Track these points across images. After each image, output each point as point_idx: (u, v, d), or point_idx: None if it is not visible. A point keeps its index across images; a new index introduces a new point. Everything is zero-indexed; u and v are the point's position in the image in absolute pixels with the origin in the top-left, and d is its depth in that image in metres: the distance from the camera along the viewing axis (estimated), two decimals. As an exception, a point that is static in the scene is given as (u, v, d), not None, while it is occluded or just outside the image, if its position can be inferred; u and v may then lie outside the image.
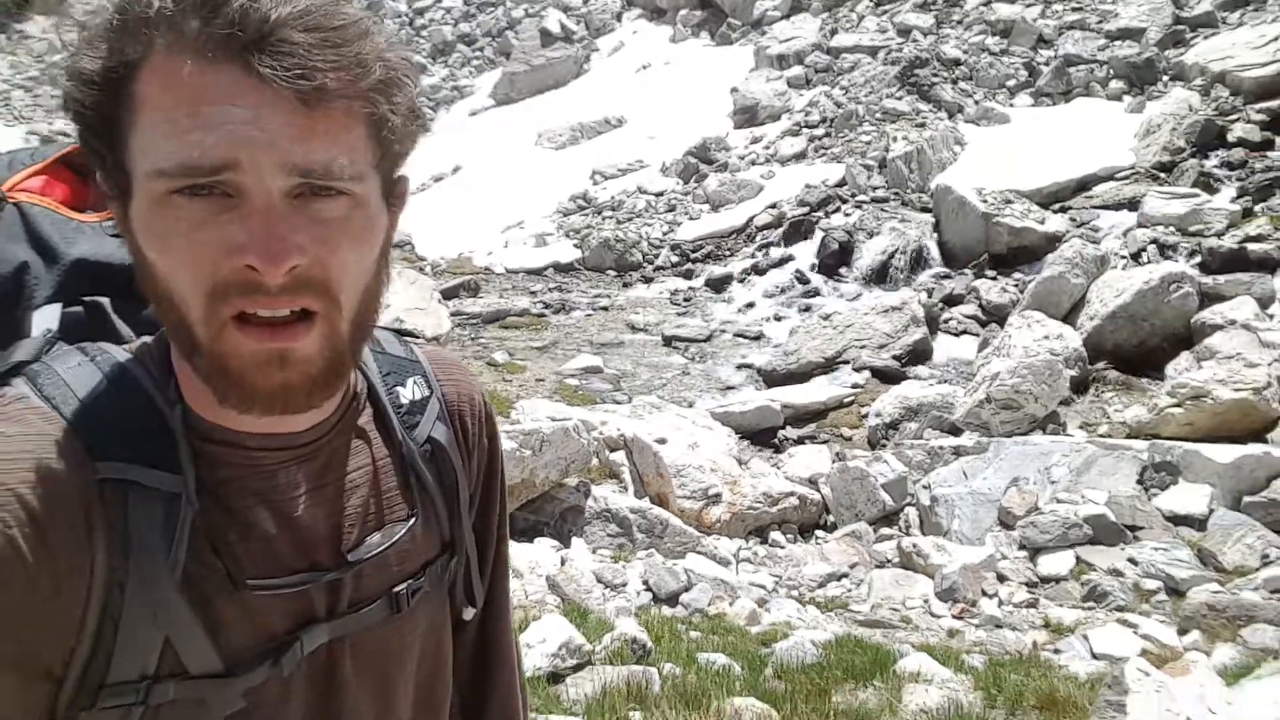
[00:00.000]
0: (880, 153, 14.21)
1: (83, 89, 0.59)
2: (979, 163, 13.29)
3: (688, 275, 13.84)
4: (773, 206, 14.37)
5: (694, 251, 14.24)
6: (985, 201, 11.60)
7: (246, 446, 0.67)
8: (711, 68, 19.89)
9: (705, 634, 4.39)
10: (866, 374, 9.63)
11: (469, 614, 0.86)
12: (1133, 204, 10.99)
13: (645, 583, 5.23)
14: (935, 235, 12.29)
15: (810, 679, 3.44)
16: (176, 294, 0.59)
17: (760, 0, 20.16)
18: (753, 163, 15.84)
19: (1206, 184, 10.80)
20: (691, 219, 14.92)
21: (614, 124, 19.37)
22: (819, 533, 6.79)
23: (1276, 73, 11.71)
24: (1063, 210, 11.74)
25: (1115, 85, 13.50)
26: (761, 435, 8.87)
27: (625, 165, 17.21)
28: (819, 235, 13.18)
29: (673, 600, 5.10)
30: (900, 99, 15.16)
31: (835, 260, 12.74)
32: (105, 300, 0.74)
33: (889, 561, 5.94)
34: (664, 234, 14.68)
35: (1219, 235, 9.33)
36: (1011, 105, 14.30)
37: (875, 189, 13.69)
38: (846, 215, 13.42)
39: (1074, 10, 15.26)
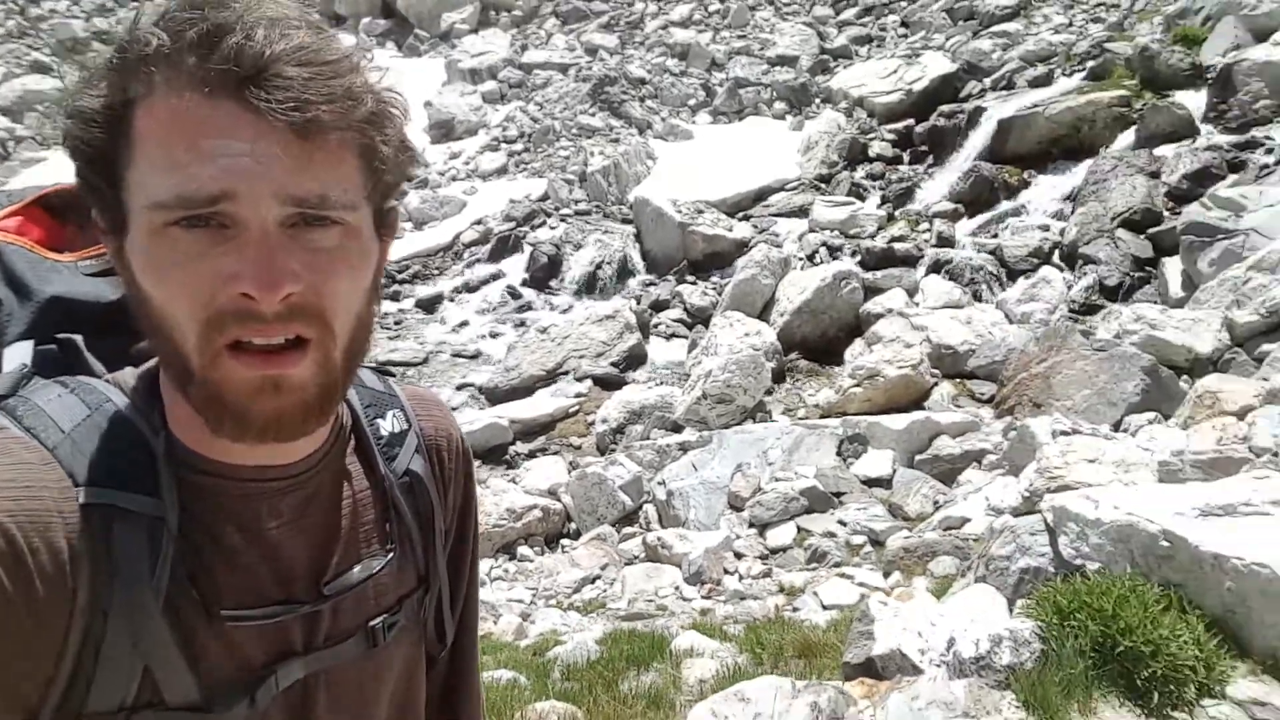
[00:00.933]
0: (579, 167, 14.72)
1: (83, 126, 0.60)
2: (670, 176, 14.27)
3: (395, 297, 13.29)
4: (478, 223, 14.30)
5: (400, 272, 13.72)
6: (680, 212, 12.46)
7: (231, 477, 0.67)
8: (401, 81, 19.26)
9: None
10: (588, 383, 9.89)
11: (438, 651, 0.86)
12: (803, 211, 12.43)
13: (397, 619, 4.93)
14: (638, 245, 12.98)
15: (598, 673, 3.48)
16: (173, 324, 0.59)
17: (448, 13, 19.99)
18: (454, 179, 15.65)
19: (858, 193, 12.52)
20: (395, 238, 14.37)
21: (299, 138, 18.12)
22: (565, 541, 6.86)
23: (899, 100, 13.89)
24: (746, 218, 12.96)
25: (779, 106, 15.21)
26: (493, 453, 8.78)
27: (317, 182, 16.17)
28: (527, 250, 13.35)
29: (429, 632, 4.86)
30: (594, 115, 15.81)
31: (545, 273, 12.97)
32: (78, 337, 0.73)
33: (637, 558, 6.14)
34: (367, 253, 13.99)
35: (872, 237, 10.86)
36: (694, 122, 15.52)
37: (577, 202, 14.15)
38: (552, 229, 13.73)
39: (739, 38, 16.94)
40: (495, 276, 13.22)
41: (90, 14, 23.67)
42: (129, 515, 0.62)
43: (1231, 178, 8.87)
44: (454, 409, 10.05)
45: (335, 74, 0.59)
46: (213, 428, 0.62)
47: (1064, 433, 5.39)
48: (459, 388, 10.73)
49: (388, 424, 0.81)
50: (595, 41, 17.61)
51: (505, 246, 13.55)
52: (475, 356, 11.60)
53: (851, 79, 15.11)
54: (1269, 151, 9.18)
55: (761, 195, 13.45)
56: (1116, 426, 5.92)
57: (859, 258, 10.52)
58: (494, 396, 10.26)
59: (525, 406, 9.57)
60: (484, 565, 6.19)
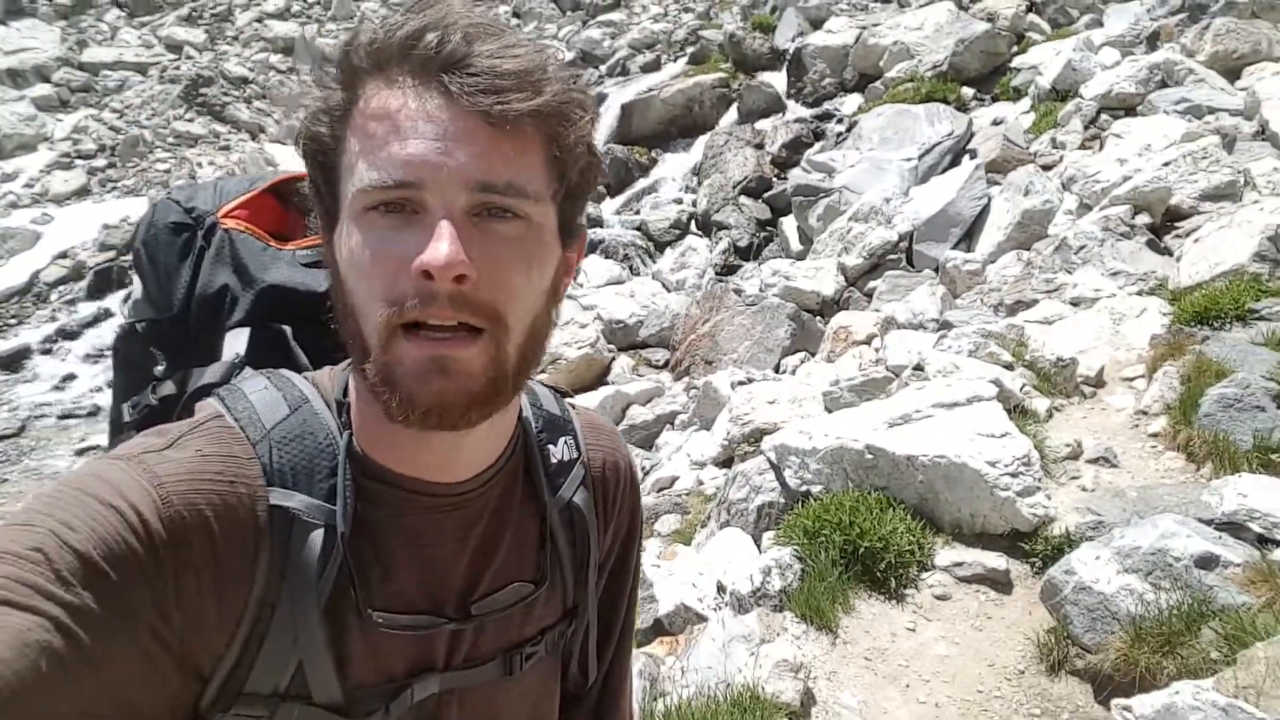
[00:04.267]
0: (186, 180, 13.01)
1: (310, 123, 0.65)
2: (297, 182, 13.20)
3: (-41, 357, 10.75)
4: (64, 256, 12.06)
5: (-38, 324, 11.11)
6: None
7: (405, 488, 0.69)
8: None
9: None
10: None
11: (582, 688, 0.86)
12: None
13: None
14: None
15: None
16: (359, 305, 0.62)
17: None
18: (14, 206, 12.98)
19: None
20: (-57, 285, 11.59)
21: None
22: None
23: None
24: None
25: (402, 102, 14.74)
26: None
27: None
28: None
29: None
30: (192, 121, 14.05)
31: (167, 302, 11.34)
32: (287, 328, 0.83)
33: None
34: (-94, 308, 11.12)
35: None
36: (313, 124, 14.48)
37: (192, 219, 12.53)
38: (166, 251, 12.01)
39: (347, 31, 16.05)
40: (102, 316, 11.25)
41: None
42: (307, 518, 0.65)
43: (818, 144, 10.35)
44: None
45: (527, 67, 0.61)
46: (384, 408, 0.62)
47: (741, 383, 5.92)
48: (79, 453, 9.02)
49: (558, 451, 0.81)
50: (178, 37, 15.59)
51: (107, 280, 11.59)
52: (94, 414, 9.81)
53: (473, 71, 15.11)
54: (839, 121, 10.86)
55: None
56: (777, 369, 6.64)
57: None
58: (128, 453, 8.77)
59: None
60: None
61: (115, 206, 12.90)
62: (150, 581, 0.57)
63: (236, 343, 0.80)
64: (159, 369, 0.84)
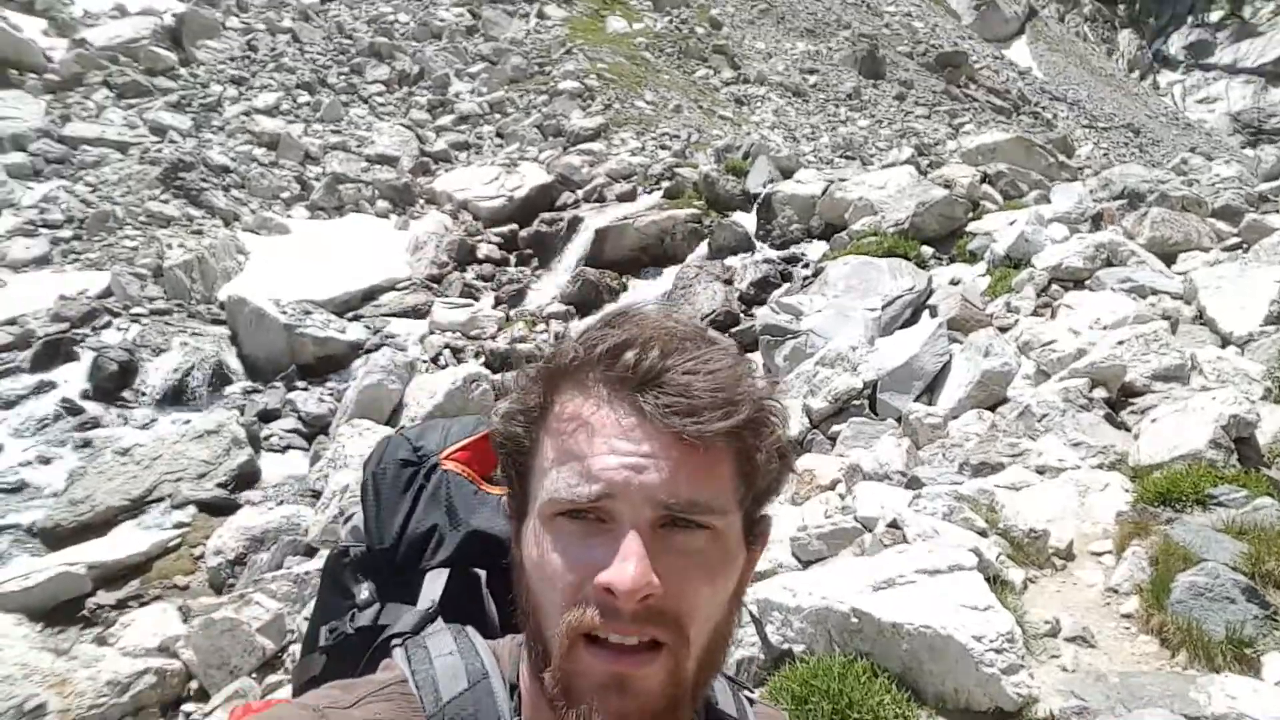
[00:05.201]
0: (153, 259, 12.92)
1: (506, 423, 0.69)
2: (266, 272, 13.18)
3: (-114, 419, 10.24)
4: (12, 323, 11.73)
5: (-108, 387, 10.63)
6: (285, 313, 11.55)
7: None
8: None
9: None
10: (191, 510, 8.54)
11: None
12: (417, 311, 12.30)
13: None
14: (235, 348, 11.69)
15: None
16: (542, 608, 0.63)
17: (-47, 70, 16.39)
18: (-29, 268, 12.69)
19: (471, 293, 12.77)
20: (-119, 342, 11.15)
21: None
22: (187, 707, 5.74)
23: (502, 205, 14.60)
24: (357, 318, 12.44)
25: (382, 204, 14.98)
26: (63, 610, 7.09)
27: None
28: (88, 356, 11.24)
29: None
30: (167, 202, 14.07)
31: (115, 383, 11.01)
32: (483, 574, 0.86)
33: (288, 714, 5.34)
34: None
35: (493, 338, 11.11)
36: (289, 216, 14.59)
37: (153, 300, 12.35)
38: (122, 330, 11.76)
39: (334, 133, 16.44)
40: (42, 388, 10.87)
41: None
42: None
43: (785, 285, 10.78)
44: (-4, 561, 8.02)
45: (720, 384, 0.63)
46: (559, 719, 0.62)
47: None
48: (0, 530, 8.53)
49: None
50: (163, 121, 15.78)
51: (55, 352, 11.26)
52: (18, 490, 9.34)
53: (455, 182, 15.52)
54: (805, 265, 11.37)
55: (371, 294, 13.05)
56: (742, 506, 6.69)
57: (483, 359, 10.67)
58: (55, 538, 8.35)
59: (105, 546, 7.93)
60: (80, 764, 4.91)
61: (75, 278, 12.68)
62: None
63: (434, 585, 0.83)
64: (362, 597, 0.88)
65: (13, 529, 8.52)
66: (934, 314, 8.79)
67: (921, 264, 10.44)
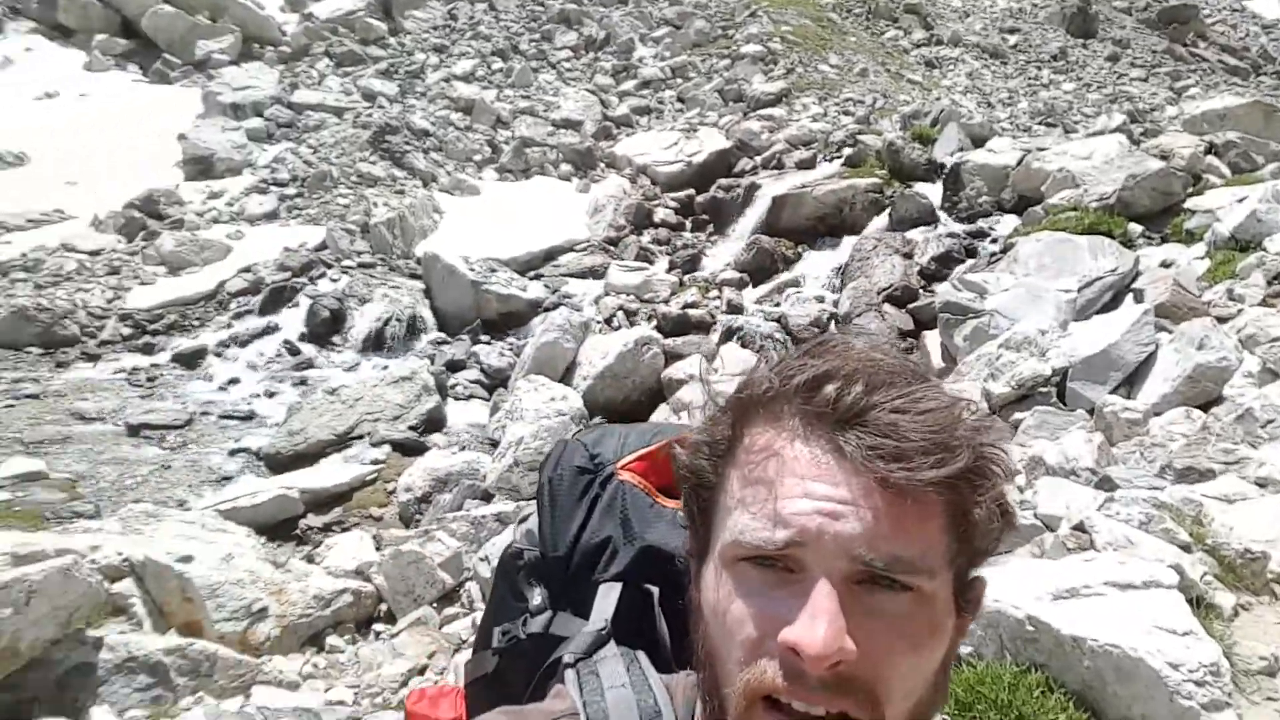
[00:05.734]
0: (361, 217, 14.04)
1: (692, 455, 0.64)
2: (458, 231, 14.01)
3: (148, 350, 11.82)
4: (247, 270, 13.14)
5: (152, 322, 12.22)
6: (473, 270, 12.25)
7: None
8: (146, 107, 17.42)
9: (318, 787, 3.78)
10: (386, 448, 9.35)
11: None
12: (594, 272, 12.69)
13: (208, 742, 4.31)
14: (428, 302, 12.56)
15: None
16: (719, 659, 0.59)
17: (204, 41, 18.38)
18: (215, 221, 14.31)
19: (646, 256, 13.01)
20: (144, 284, 12.82)
21: (11, 161, 15.72)
22: (378, 626, 6.36)
23: (680, 170, 14.71)
24: (538, 278, 13.00)
25: (565, 167, 15.50)
26: (281, 528, 8.00)
27: (39, 216, 14.07)
28: (306, 303, 12.44)
29: (250, 754, 4.29)
30: (375, 164, 15.19)
31: (327, 328, 12.15)
32: (655, 591, 0.79)
33: (465, 641, 5.82)
34: (109, 301, 12.34)
35: (666, 302, 11.31)
36: (480, 178, 15.39)
37: (360, 254, 13.45)
38: (334, 281, 12.91)
39: (524, 98, 17.12)
40: (269, 330, 12.16)
41: None
42: None
43: (969, 261, 10.27)
44: (228, 478, 9.15)
45: (933, 425, 0.57)
46: None
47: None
48: (232, 453, 9.70)
49: None
50: (374, 88, 16.99)
51: (280, 298, 12.54)
52: (249, 418, 10.56)
53: (635, 147, 15.78)
54: (994, 241, 10.76)
55: (552, 255, 13.57)
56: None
57: (655, 322, 10.89)
58: (276, 463, 9.39)
59: (316, 475, 8.85)
60: (294, 662, 5.58)
61: (297, 232, 14.02)
62: None
63: (606, 600, 0.80)
64: (534, 603, 0.87)
65: (244, 452, 9.67)
66: (1139, 299, 8.10)
67: (1127, 243, 9.62)
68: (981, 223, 11.32)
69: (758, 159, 14.40)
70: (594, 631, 0.77)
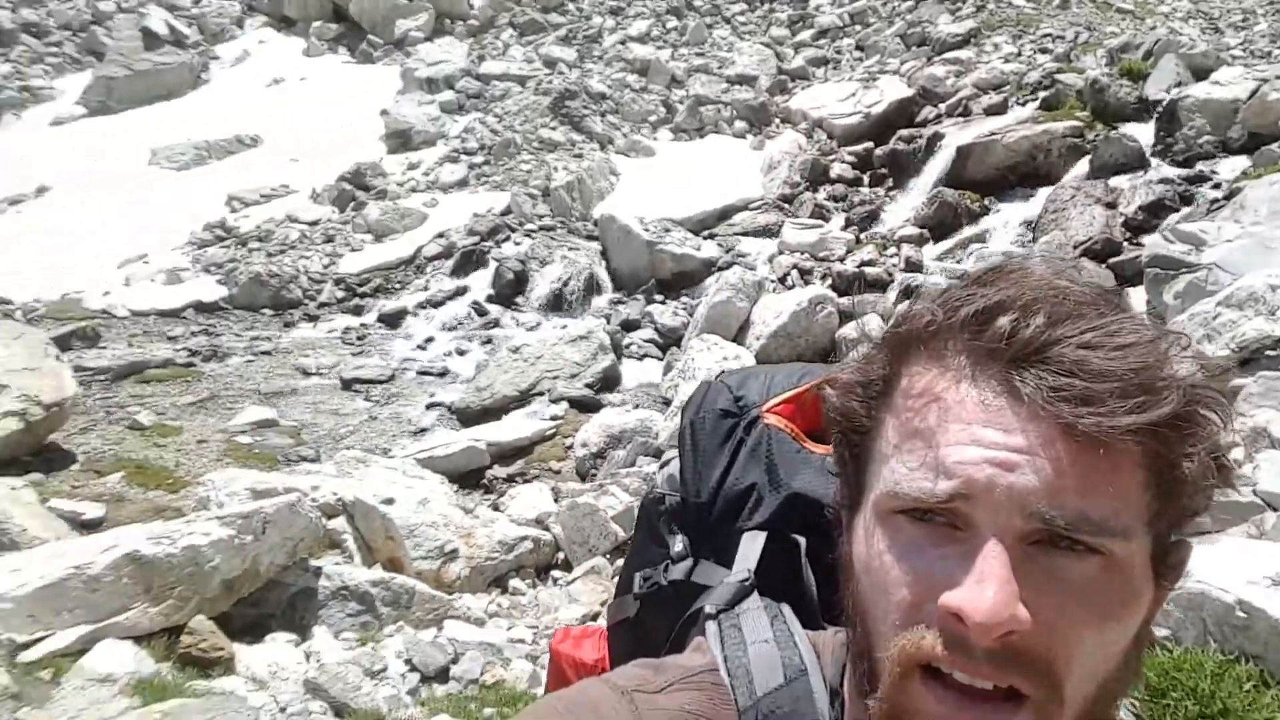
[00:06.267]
0: (542, 181, 14.63)
1: (842, 396, 0.58)
2: (634, 192, 14.30)
3: (357, 311, 13.02)
4: (441, 236, 14.09)
5: (361, 285, 13.43)
6: (648, 230, 12.49)
7: None
8: (355, 87, 18.94)
9: (499, 708, 4.17)
10: (564, 405, 9.82)
11: None
12: (769, 231, 12.58)
13: (408, 662, 4.83)
14: (604, 262, 12.96)
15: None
16: (871, 621, 0.54)
17: (402, 20, 19.64)
18: (413, 190, 15.39)
19: (821, 213, 12.73)
20: (354, 250, 14.07)
21: (247, 143, 17.59)
22: (555, 573, 6.80)
23: (858, 122, 14.19)
24: (711, 237, 13.06)
25: (739, 124, 15.37)
26: (469, 477, 8.65)
27: (269, 191, 15.72)
28: (492, 265, 13.20)
29: (442, 676, 4.78)
30: (555, 129, 15.73)
31: (511, 290, 12.85)
32: (802, 541, 0.75)
33: (633, 591, 6.11)
34: (325, 267, 13.66)
35: (841, 260, 11.05)
36: (655, 139, 15.57)
37: (541, 217, 14.06)
38: (517, 244, 13.61)
39: (698, 56, 17.08)
40: (460, 291, 13.04)
41: (17, 4, 22.61)
42: None
43: (1184, 210, 9.29)
44: (424, 430, 9.99)
45: (1131, 363, 0.48)
46: None
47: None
48: (428, 407, 10.55)
49: None
50: (554, 54, 17.52)
51: (469, 261, 13.39)
52: (443, 374, 11.42)
53: (810, 100, 15.37)
54: (1215, 186, 9.66)
55: (726, 214, 13.57)
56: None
57: (829, 281, 10.69)
58: (465, 417, 10.12)
59: (501, 429, 9.46)
60: (480, 601, 6.10)
61: (484, 198, 14.85)
62: None
63: (751, 549, 0.76)
64: (676, 549, 0.84)
65: (438, 406, 10.51)
66: (1395, 250, 7.05)
67: (1386, 185, 8.35)
68: (1200, 166, 10.18)
69: (941, 107, 13.62)
70: (737, 582, 0.73)
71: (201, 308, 12.92)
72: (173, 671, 4.09)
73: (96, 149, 17.72)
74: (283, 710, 4.09)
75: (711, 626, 0.67)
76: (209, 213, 15.13)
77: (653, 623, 0.84)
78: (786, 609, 0.69)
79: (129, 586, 4.36)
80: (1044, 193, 10.82)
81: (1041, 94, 12.73)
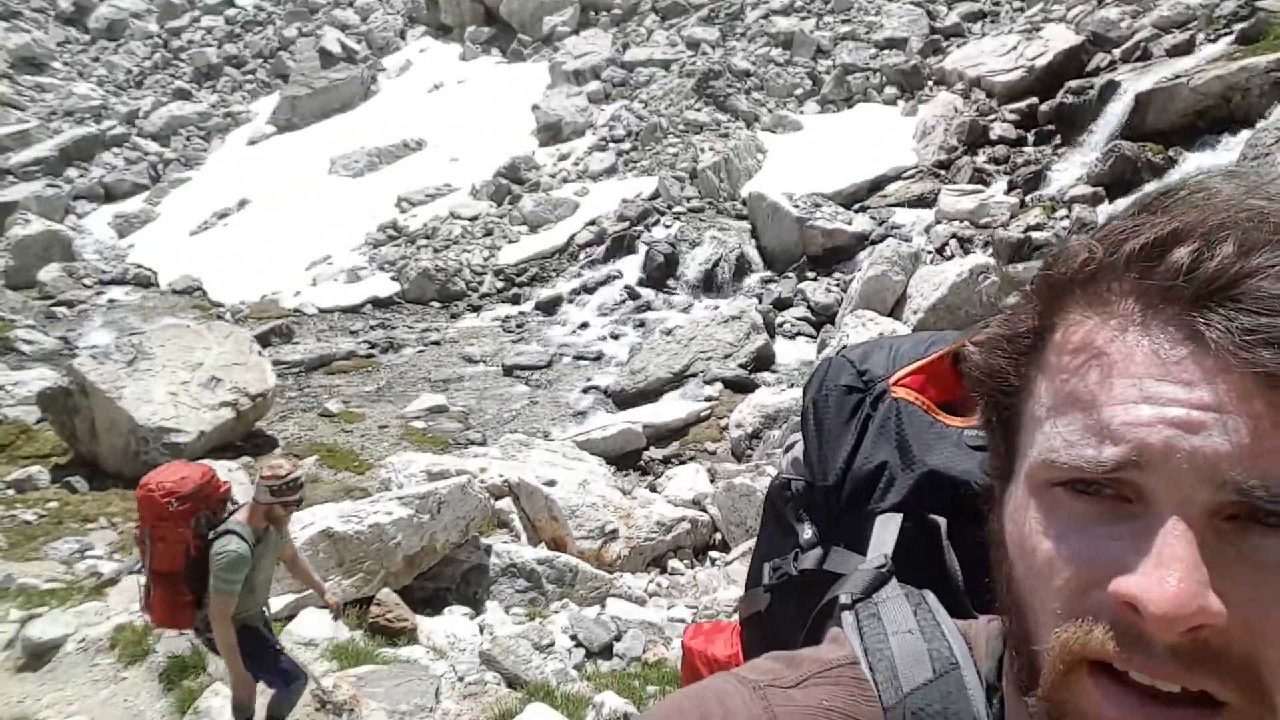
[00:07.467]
0: (689, 163, 14.68)
1: (987, 353, 0.50)
2: (781, 169, 14.10)
3: (515, 300, 13.62)
4: (592, 223, 14.47)
5: (518, 275, 14.04)
6: (797, 206, 12.29)
7: None
8: (507, 85, 19.70)
9: (661, 686, 4.31)
10: (718, 386, 9.88)
11: None
12: (923, 200, 12.08)
13: (574, 637, 5.06)
14: (754, 241, 12.88)
15: None
16: (1026, 607, 0.47)
17: (549, 16, 20.21)
18: (564, 180, 15.85)
19: (981, 178, 12.07)
20: (511, 242, 14.70)
21: (413, 147, 18.70)
22: (713, 553, 6.88)
23: (1020, 78, 13.31)
24: (863, 210, 12.69)
25: (889, 91, 14.79)
26: (626, 459, 8.88)
27: (433, 190, 16.66)
28: (642, 249, 13.42)
29: (606, 652, 4.97)
30: (699, 110, 15.74)
31: (662, 273, 13.02)
32: (943, 523, 0.68)
33: (791, 574, 6.10)
34: (485, 259, 14.36)
35: (1005, 226, 10.46)
36: (802, 112, 15.26)
37: (689, 199, 14.13)
38: (666, 227, 13.76)
39: (844, 23, 16.55)
40: (612, 277, 13.36)
41: (221, 41, 25.05)
42: None
43: None
44: (581, 413, 10.34)
45: None
46: None
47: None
48: (585, 390, 10.91)
49: None
50: (696, 35, 17.49)
51: (620, 246, 13.68)
52: (598, 358, 11.77)
53: (966, 58, 14.55)
54: None
55: (878, 185, 13.14)
56: None
57: (992, 249, 10.15)
58: (621, 400, 10.38)
59: (656, 411, 9.64)
60: (640, 580, 6.28)
61: (632, 184, 15.11)
62: None
63: (885, 532, 0.71)
64: (805, 537, 0.80)
65: (595, 389, 10.85)
66: None
67: None
68: None
69: (1116, 53, 12.54)
70: (873, 568, 0.66)
71: (378, 303, 13.94)
72: (364, 639, 4.49)
73: (284, 162, 19.42)
74: (461, 679, 4.40)
75: (848, 617, 0.62)
76: (382, 214, 16.26)
77: (785, 616, 0.80)
78: (930, 596, 0.62)
79: (325, 560, 4.82)
80: (1242, 138, 9.77)
81: (1238, 26, 11.46)
